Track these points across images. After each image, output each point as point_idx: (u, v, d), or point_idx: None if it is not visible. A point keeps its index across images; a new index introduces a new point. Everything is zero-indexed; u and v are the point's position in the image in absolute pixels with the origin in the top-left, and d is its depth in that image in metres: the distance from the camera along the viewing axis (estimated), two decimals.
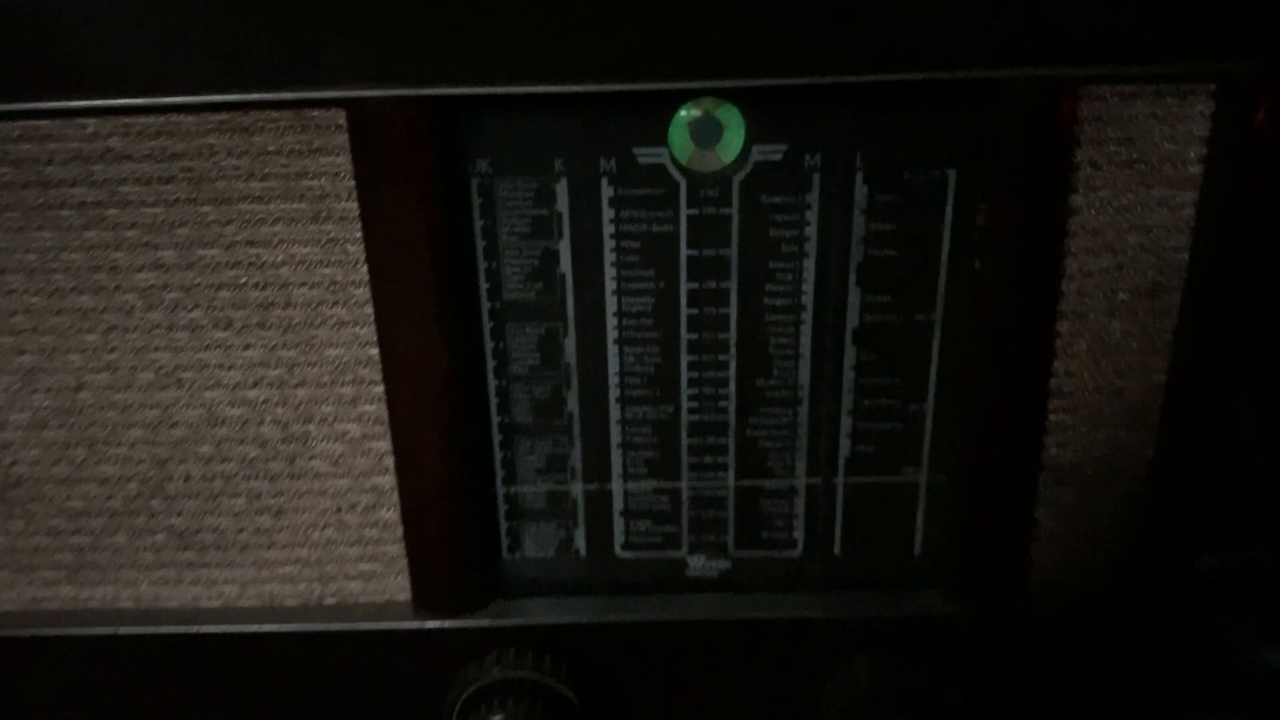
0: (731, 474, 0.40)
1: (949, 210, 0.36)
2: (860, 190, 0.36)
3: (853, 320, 0.38)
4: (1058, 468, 0.39)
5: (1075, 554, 0.41)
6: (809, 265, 0.37)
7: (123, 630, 0.41)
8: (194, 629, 0.41)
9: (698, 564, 0.42)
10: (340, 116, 0.34)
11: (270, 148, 0.35)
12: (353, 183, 0.35)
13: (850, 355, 0.38)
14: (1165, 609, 0.41)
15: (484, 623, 0.41)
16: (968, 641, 0.41)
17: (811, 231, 0.37)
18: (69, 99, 0.33)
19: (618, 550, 0.41)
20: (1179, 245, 0.36)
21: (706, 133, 0.36)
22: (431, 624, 0.41)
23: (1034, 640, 0.41)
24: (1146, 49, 0.33)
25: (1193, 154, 0.35)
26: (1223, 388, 0.38)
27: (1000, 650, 0.41)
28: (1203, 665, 0.44)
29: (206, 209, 0.36)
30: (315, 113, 0.34)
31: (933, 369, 0.38)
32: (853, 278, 0.37)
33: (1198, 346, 0.37)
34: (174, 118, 0.34)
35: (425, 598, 0.41)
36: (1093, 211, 0.36)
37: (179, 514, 0.40)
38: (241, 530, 0.41)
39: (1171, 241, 0.36)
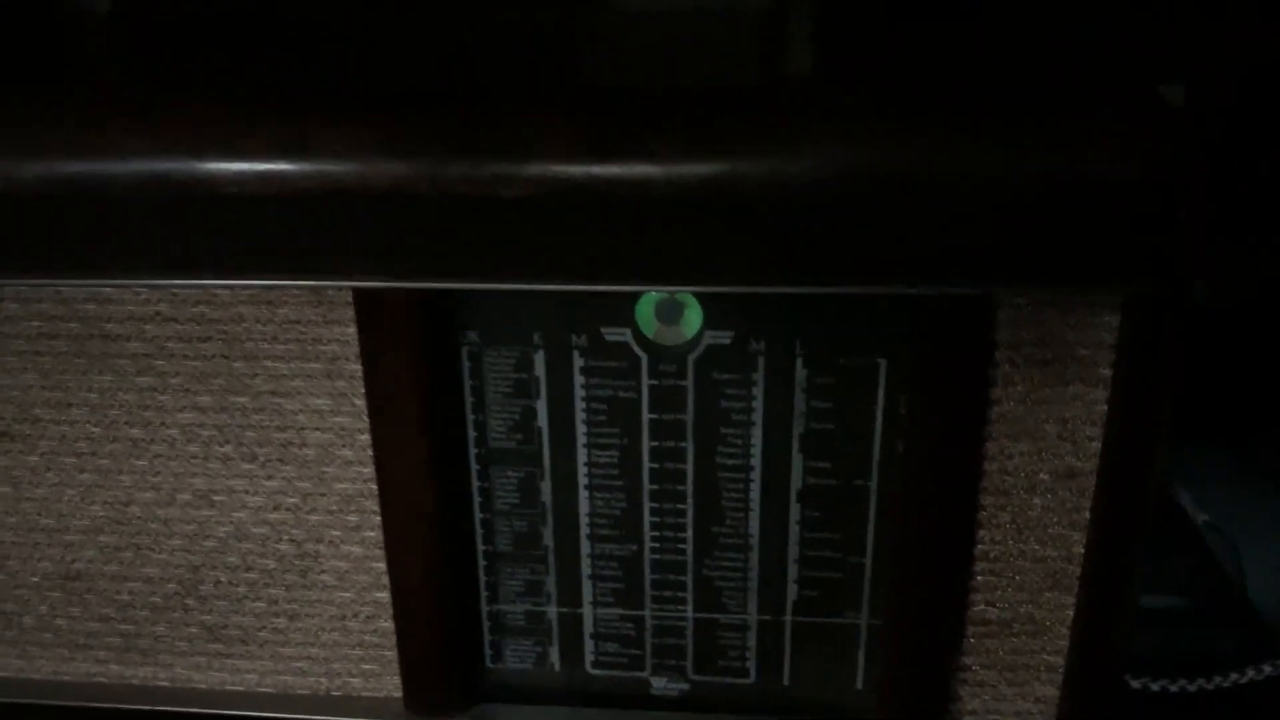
0: (690, 607, 0.45)
1: (880, 394, 0.40)
2: (800, 372, 0.40)
3: (796, 482, 0.42)
4: (984, 621, 0.43)
5: (1004, 699, 0.44)
6: (756, 433, 0.41)
7: (159, 707, 0.48)
8: (220, 711, 0.47)
9: (660, 684, 0.46)
10: (348, 295, 0.40)
11: (292, 317, 0.41)
12: (356, 348, 0.41)
13: (795, 511, 0.42)
14: None
15: None
16: None
17: (758, 404, 0.41)
18: (127, 276, 0.39)
19: (588, 667, 0.46)
20: (1092, 435, 0.40)
21: (670, 311, 0.41)
22: None
23: None
24: (1057, 271, 0.36)
25: (1102, 358, 0.38)
26: (1133, 557, 0.41)
27: None
28: None
29: (238, 364, 0.42)
30: (329, 291, 0.40)
31: (870, 527, 0.42)
32: (795, 445, 0.41)
33: (1111, 523, 0.40)
34: (212, 291, 0.40)
35: (415, 700, 0.46)
36: (1011, 403, 0.39)
37: (210, 611, 0.46)
38: (262, 629, 0.46)
39: (1086, 431, 0.40)
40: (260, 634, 0.46)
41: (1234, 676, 0.49)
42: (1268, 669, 0.49)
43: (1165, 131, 0.35)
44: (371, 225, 0.37)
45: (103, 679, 0.48)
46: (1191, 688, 0.49)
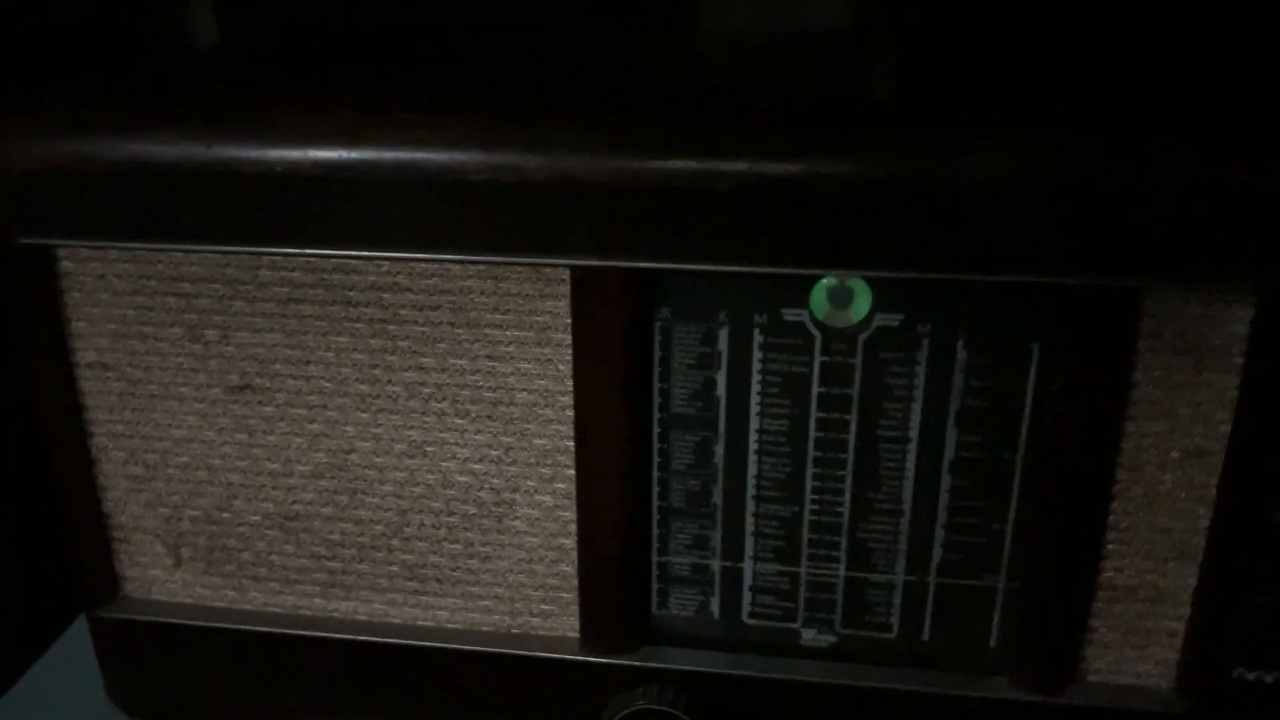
0: (843, 565, 0.50)
1: (1032, 375, 0.45)
2: (961, 354, 0.45)
3: (949, 454, 0.47)
4: (1113, 587, 0.48)
5: (1126, 660, 0.49)
6: (916, 408, 0.47)
7: (358, 637, 0.53)
8: (413, 642, 0.53)
9: (810, 636, 0.51)
10: (565, 273, 0.46)
11: (512, 291, 0.47)
12: (568, 320, 0.47)
13: (946, 481, 0.47)
14: (1206, 714, 0.48)
15: (634, 662, 0.51)
16: None
17: (919, 382, 0.46)
18: (375, 249, 0.45)
19: (745, 617, 0.51)
20: (1223, 418, 0.44)
21: (841, 296, 0.46)
22: (593, 659, 0.52)
23: None
24: (1198, 266, 0.41)
25: (1235, 349, 0.43)
26: (1258, 532, 0.45)
27: None
28: None
29: (460, 331, 0.48)
30: (547, 269, 0.46)
31: (1013, 497, 0.47)
32: (951, 420, 0.46)
33: (1235, 502, 0.45)
34: (446, 266, 0.47)
35: (590, 637, 0.52)
36: (1149, 386, 0.44)
37: (411, 552, 0.52)
38: (456, 569, 0.52)
39: (1217, 415, 0.44)
40: (454, 574, 0.52)
41: None
42: None
43: None
44: (597, 212, 0.43)
45: (307, 612, 0.54)
46: None
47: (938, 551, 0.49)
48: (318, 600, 0.54)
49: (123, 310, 0.49)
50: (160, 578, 0.55)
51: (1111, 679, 0.49)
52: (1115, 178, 0.41)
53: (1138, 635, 0.48)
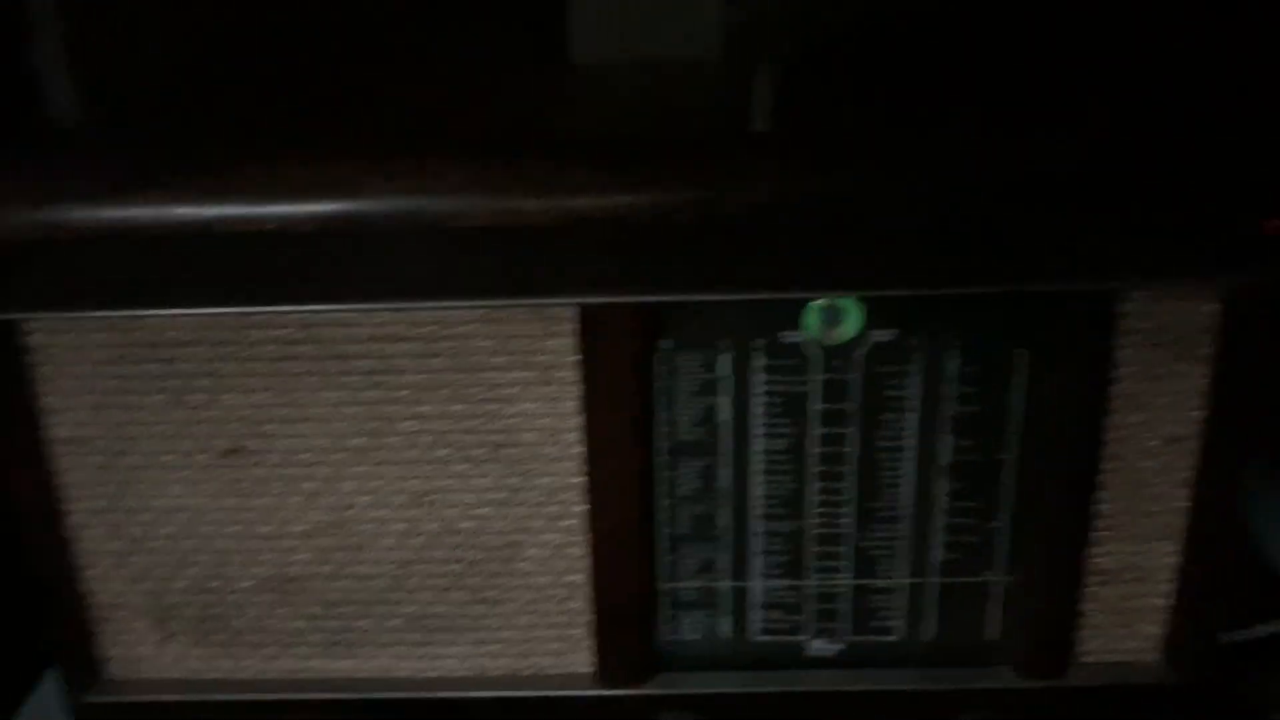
0: (848, 575, 0.51)
1: (1021, 379, 0.47)
2: (952, 363, 0.47)
3: (944, 458, 0.49)
4: (1102, 572, 0.50)
5: (1118, 639, 0.52)
6: (912, 416, 0.48)
7: (364, 695, 0.52)
8: (421, 694, 0.52)
9: (818, 646, 0.53)
10: (568, 312, 0.46)
11: (514, 333, 0.47)
12: (570, 357, 0.47)
13: (943, 485, 0.49)
14: (1195, 681, 0.52)
15: (650, 691, 0.52)
16: (1034, 708, 0.51)
17: (915, 392, 0.48)
18: (376, 301, 0.45)
19: (754, 634, 0.52)
20: (1196, 405, 0.47)
21: (832, 316, 0.48)
22: (608, 691, 0.52)
23: (1086, 707, 0.52)
24: (1169, 269, 0.44)
25: (1205, 341, 0.46)
26: (1230, 513, 0.49)
27: (1059, 716, 0.52)
28: None
29: (461, 376, 0.47)
30: (550, 309, 0.46)
31: (1007, 495, 0.50)
32: (946, 426, 0.48)
33: (1210, 482, 0.48)
34: (444, 313, 0.46)
35: (605, 670, 0.52)
36: (1128, 381, 0.47)
37: (414, 603, 0.51)
38: (462, 616, 0.52)
39: (1190, 403, 0.47)
40: (461, 621, 0.52)
41: None
42: None
43: (1251, 156, 0.43)
44: (602, 251, 0.44)
45: (307, 674, 0.53)
46: None
47: (938, 553, 0.51)
48: (317, 661, 0.53)
49: (101, 381, 0.47)
50: (148, 654, 0.52)
51: (1105, 658, 0.52)
52: (1089, 190, 0.43)
53: (1126, 615, 0.51)
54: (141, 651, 0.52)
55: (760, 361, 0.48)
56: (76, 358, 0.47)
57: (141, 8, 0.61)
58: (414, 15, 0.59)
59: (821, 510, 0.50)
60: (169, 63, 0.52)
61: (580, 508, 0.49)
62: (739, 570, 0.51)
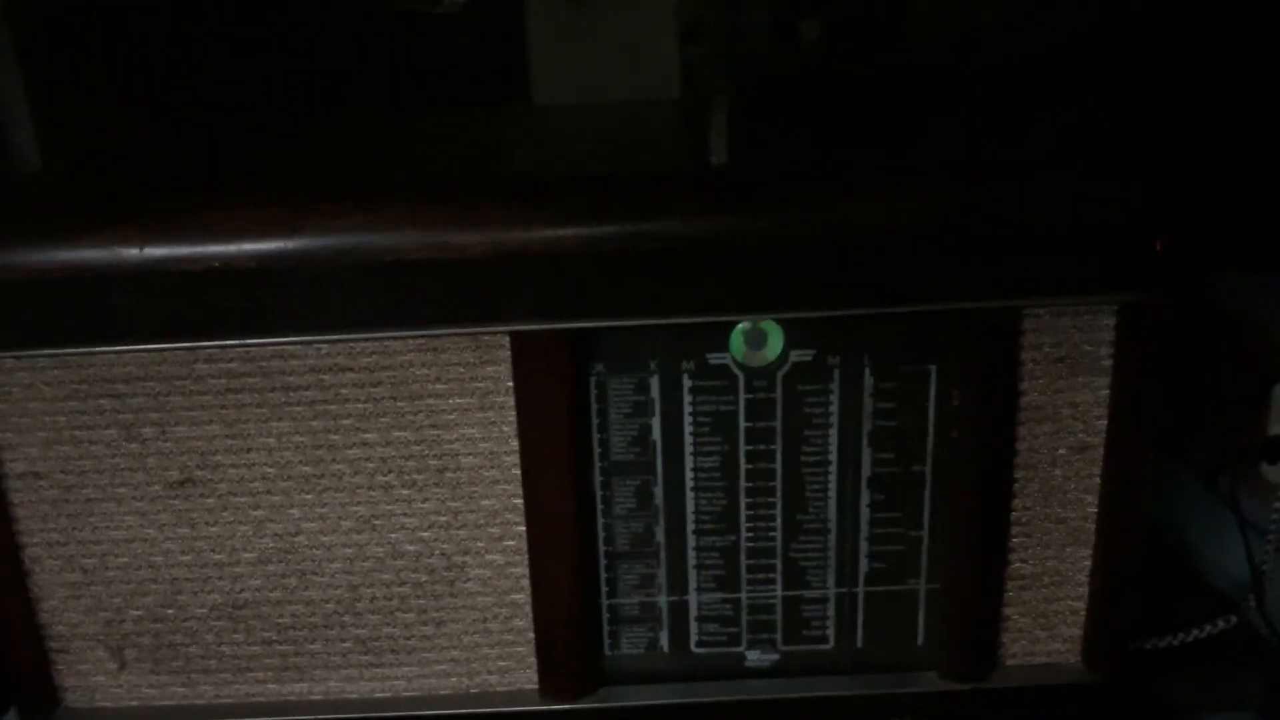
0: (779, 586, 0.53)
1: (932, 394, 0.50)
2: (868, 380, 0.50)
3: (866, 471, 0.52)
4: (1020, 577, 0.53)
5: (1039, 641, 0.54)
6: (833, 432, 0.51)
7: (316, 717, 0.54)
8: (371, 714, 0.54)
9: (754, 657, 0.55)
10: (503, 339, 0.48)
11: (453, 361, 0.49)
12: (507, 383, 0.49)
13: (865, 496, 0.52)
14: (1114, 681, 0.54)
15: (593, 705, 0.54)
16: (959, 710, 0.54)
17: (834, 408, 0.51)
18: (317, 333, 0.47)
19: (693, 647, 0.54)
20: (1099, 415, 0.50)
21: (756, 338, 0.50)
22: (553, 706, 0.54)
23: (1011, 709, 0.54)
24: (1066, 286, 0.47)
25: (1104, 352, 0.49)
26: (1138, 517, 0.51)
27: (985, 717, 0.54)
28: None
29: (402, 404, 0.50)
30: (486, 337, 0.48)
31: (926, 505, 0.52)
32: (865, 441, 0.51)
33: (1117, 488, 0.51)
34: (385, 343, 0.48)
35: (549, 687, 0.53)
36: (1035, 393, 0.50)
37: (364, 626, 0.53)
38: (410, 637, 0.53)
39: (1094, 412, 0.50)
40: (409, 642, 0.53)
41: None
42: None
43: (1145, 184, 0.47)
44: (534, 280, 0.46)
45: (261, 698, 0.54)
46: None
47: (863, 563, 0.53)
48: (271, 685, 0.54)
49: (53, 417, 0.49)
50: (104, 684, 0.54)
51: (1027, 660, 0.54)
52: (991, 217, 0.46)
53: (1045, 618, 0.54)
54: (98, 681, 0.54)
55: (689, 383, 0.50)
56: (29, 394, 0.49)
57: (96, 61, 0.64)
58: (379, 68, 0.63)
59: (751, 525, 0.52)
60: (121, 114, 0.54)
61: (521, 528, 0.51)
62: (676, 585, 0.53)
